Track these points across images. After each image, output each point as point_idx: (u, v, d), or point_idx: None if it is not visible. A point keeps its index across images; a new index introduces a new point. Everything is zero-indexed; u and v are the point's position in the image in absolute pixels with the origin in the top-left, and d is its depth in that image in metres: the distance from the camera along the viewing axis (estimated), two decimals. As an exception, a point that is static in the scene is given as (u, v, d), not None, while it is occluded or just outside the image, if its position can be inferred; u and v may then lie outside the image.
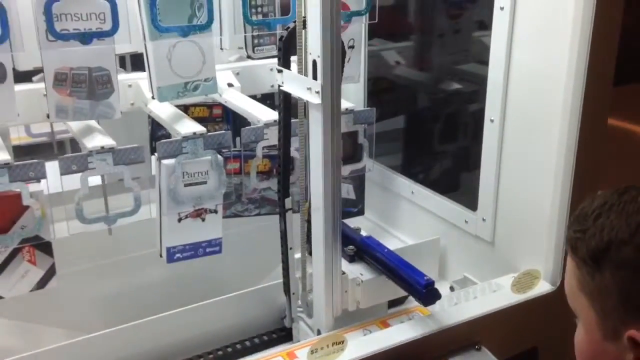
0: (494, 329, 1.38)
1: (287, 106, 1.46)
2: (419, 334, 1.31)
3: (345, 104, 1.81)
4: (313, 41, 1.23)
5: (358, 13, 1.73)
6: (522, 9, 1.44)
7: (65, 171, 1.47)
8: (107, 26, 1.42)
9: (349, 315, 1.43)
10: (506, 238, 1.62)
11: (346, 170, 1.85)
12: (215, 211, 1.69)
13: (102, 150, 1.49)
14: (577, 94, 1.34)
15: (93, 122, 1.60)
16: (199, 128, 1.60)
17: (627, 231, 0.77)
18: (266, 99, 2.31)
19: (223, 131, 1.64)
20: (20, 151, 2.07)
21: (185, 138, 1.58)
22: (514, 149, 1.55)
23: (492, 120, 1.58)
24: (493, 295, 1.47)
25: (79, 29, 1.40)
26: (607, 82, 1.37)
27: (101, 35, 1.42)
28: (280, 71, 1.40)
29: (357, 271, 1.44)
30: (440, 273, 1.88)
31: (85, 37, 1.40)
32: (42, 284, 1.53)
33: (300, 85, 1.32)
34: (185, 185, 1.63)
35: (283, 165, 1.50)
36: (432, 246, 1.84)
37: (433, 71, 2.08)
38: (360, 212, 1.96)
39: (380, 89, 2.20)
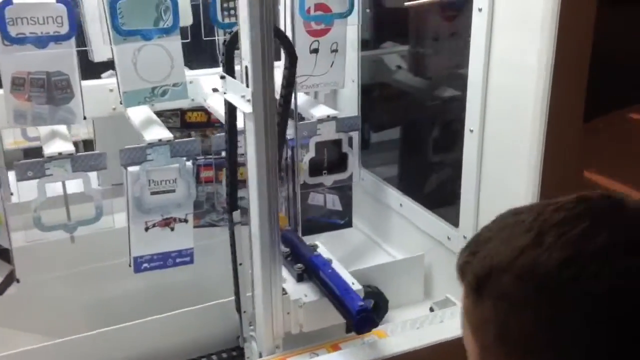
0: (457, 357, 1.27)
1: (232, 114, 1.38)
2: (368, 359, 1.22)
3: (327, 111, 1.73)
4: (244, 46, 1.14)
5: (340, 15, 1.64)
6: (500, 11, 1.32)
7: (20, 177, 1.43)
8: (64, 30, 1.37)
9: (304, 337, 1.35)
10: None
11: (329, 180, 1.77)
12: (186, 220, 1.63)
13: (60, 156, 1.45)
14: (544, 100, 1.22)
15: (61, 127, 1.57)
16: (165, 135, 1.54)
17: (508, 257, 0.65)
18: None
19: (192, 138, 1.58)
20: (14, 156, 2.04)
21: (150, 145, 1.52)
22: (494, 161, 1.44)
23: (471, 131, 1.47)
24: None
25: (36, 33, 1.36)
26: (577, 91, 1.25)
27: (58, 39, 1.38)
28: (222, 77, 1.32)
29: (302, 292, 1.35)
30: (426, 292, 1.77)
31: (41, 41, 1.36)
32: (0, 290, 1.50)
33: (237, 93, 1.23)
34: (152, 194, 1.57)
35: (230, 176, 1.42)
36: (417, 263, 1.73)
37: (430, 77, 1.96)
38: (347, 224, 1.87)
39: (377, 95, 2.10)
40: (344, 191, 1.83)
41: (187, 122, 1.99)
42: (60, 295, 1.78)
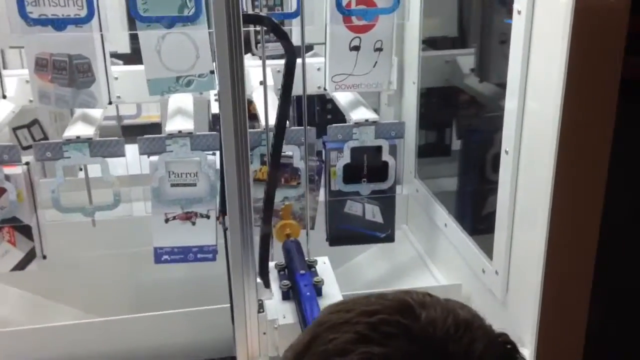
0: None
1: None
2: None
3: (367, 114, 1.59)
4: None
5: (384, 10, 1.49)
6: (541, 15, 1.11)
7: (39, 158, 1.46)
8: (84, 13, 1.36)
9: None
10: (519, 299, 1.29)
11: (366, 189, 1.63)
12: (207, 216, 1.57)
13: (78, 140, 1.45)
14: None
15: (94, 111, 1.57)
16: (186, 126, 1.50)
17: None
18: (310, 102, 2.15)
19: (213, 132, 1.51)
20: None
21: (170, 136, 1.49)
22: (529, 188, 1.22)
23: (506, 152, 1.26)
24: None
25: (57, 15, 1.37)
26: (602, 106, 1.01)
27: (77, 22, 1.37)
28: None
29: (282, 311, 1.23)
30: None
31: (59, 23, 1.36)
32: (21, 265, 1.54)
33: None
34: (172, 185, 1.53)
35: (222, 179, 1.33)
36: (453, 293, 1.54)
37: (500, 84, 1.74)
38: (389, 239, 1.71)
39: (444, 100, 1.91)
40: (386, 202, 1.68)
41: (251, 112, 1.94)
42: (101, 276, 1.80)
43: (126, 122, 2.27)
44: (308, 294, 1.20)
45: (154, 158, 1.50)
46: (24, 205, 1.48)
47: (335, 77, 1.56)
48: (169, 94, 1.51)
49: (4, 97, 1.51)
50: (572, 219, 1.11)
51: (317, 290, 1.26)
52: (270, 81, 1.76)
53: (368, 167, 1.61)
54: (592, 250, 1.10)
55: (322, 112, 2.31)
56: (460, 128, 1.85)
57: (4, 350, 1.47)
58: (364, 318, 0.53)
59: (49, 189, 1.49)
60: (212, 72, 1.48)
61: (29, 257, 1.54)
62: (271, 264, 1.36)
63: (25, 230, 1.52)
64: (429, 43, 1.89)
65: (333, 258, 1.84)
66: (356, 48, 1.54)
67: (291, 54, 1.24)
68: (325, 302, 1.24)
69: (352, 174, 1.61)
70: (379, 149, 1.60)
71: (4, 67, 1.71)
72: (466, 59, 1.85)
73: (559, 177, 1.11)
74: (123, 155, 1.49)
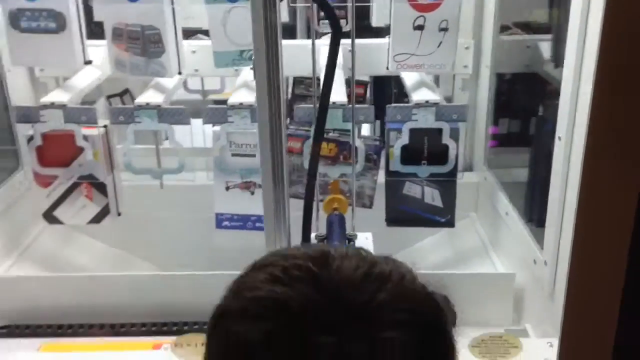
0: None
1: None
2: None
3: (428, 96, 1.56)
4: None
5: (449, -11, 1.45)
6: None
7: (114, 121, 1.57)
8: (156, -15, 1.45)
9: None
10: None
11: (424, 171, 1.61)
12: (253, 190, 1.63)
13: (147, 106, 1.55)
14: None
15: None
16: (248, 99, 1.55)
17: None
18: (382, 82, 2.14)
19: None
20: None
21: (232, 107, 1.55)
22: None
23: (559, 138, 1.20)
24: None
25: (132, -14, 1.46)
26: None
27: (148, -7, 1.46)
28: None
29: None
30: (517, 318, 1.52)
31: (133, -5, 1.46)
32: (97, 219, 1.67)
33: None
34: (233, 155, 1.60)
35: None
36: (505, 282, 1.49)
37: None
38: (449, 223, 1.68)
39: (521, 86, 1.83)
40: (446, 187, 1.65)
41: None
42: (168, 235, 1.91)
43: (211, 96, 2.38)
44: None
45: (217, 128, 1.58)
46: (100, 164, 1.61)
47: (398, 57, 1.55)
48: (232, 67, 1.57)
49: (89, 62, 1.63)
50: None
51: None
52: (340, 59, 1.79)
53: (428, 149, 1.59)
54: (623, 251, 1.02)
55: (399, 94, 2.30)
56: (534, 116, 1.77)
57: (82, 293, 1.59)
58: (282, 262, 0.56)
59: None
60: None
61: (104, 212, 1.67)
62: (313, 235, 1.38)
63: (101, 188, 1.65)
64: (513, 27, 1.82)
65: (397, 241, 1.86)
66: (420, 27, 1.52)
67: (337, 31, 1.25)
68: None
69: (410, 155, 1.59)
70: (440, 131, 1.57)
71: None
72: (548, 45, 1.76)
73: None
74: (188, 123, 1.58)
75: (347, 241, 1.34)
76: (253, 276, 0.55)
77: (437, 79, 1.94)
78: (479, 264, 1.71)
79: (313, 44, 1.37)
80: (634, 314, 1.04)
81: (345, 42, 1.81)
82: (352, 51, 1.40)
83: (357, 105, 1.54)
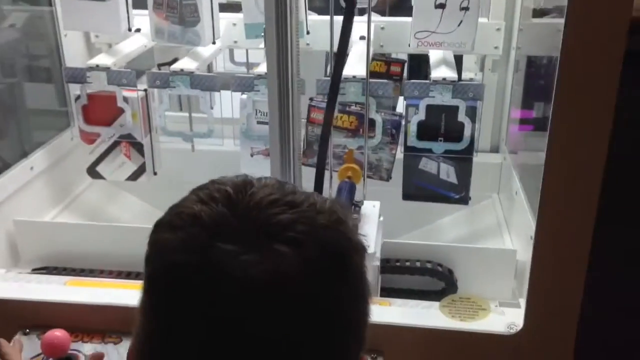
0: (400, 344, 1.11)
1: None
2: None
3: (446, 73, 1.61)
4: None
5: (470, -31, 1.49)
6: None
7: (150, 85, 1.70)
8: (190, -44, 1.56)
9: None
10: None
11: (440, 147, 1.65)
12: (287, 156, 1.72)
13: (182, 72, 1.66)
14: None
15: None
16: (271, 69, 1.64)
17: None
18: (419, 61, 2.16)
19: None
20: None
21: (259, 76, 1.64)
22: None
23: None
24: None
25: (172, -42, 1.57)
26: None
27: (186, -36, 1.57)
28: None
29: None
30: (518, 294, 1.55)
31: (171, -35, 1.57)
32: (134, 176, 1.81)
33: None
34: (258, 123, 1.70)
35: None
36: (505, 258, 1.53)
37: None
38: (463, 200, 1.72)
39: (547, 71, 1.83)
40: (461, 164, 1.69)
41: None
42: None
43: (255, 69, 2.47)
44: None
45: (244, 96, 1.68)
46: (138, 125, 1.74)
47: (418, 34, 1.60)
48: (260, 38, 1.66)
49: (138, 30, 1.77)
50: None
51: None
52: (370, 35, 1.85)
53: (445, 126, 1.63)
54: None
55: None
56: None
57: (113, 242, 1.73)
58: (210, 186, 0.65)
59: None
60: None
61: (141, 170, 1.81)
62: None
63: (139, 147, 1.78)
64: (545, 11, 1.83)
65: (418, 217, 1.91)
66: (442, 5, 1.56)
67: (350, 3, 1.31)
68: None
69: (427, 131, 1.64)
70: (451, 108, 1.61)
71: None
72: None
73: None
74: (217, 90, 1.68)
75: (353, 207, 1.41)
76: (186, 197, 0.65)
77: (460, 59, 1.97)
78: (490, 242, 1.74)
79: (332, 18, 1.43)
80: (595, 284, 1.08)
81: (376, 19, 1.90)
82: (368, 26, 1.45)
83: (375, 80, 1.61)
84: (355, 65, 1.66)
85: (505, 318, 1.10)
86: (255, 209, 0.62)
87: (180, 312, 0.59)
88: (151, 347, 0.61)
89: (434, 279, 1.51)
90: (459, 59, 2.31)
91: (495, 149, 1.99)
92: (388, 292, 1.55)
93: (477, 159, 1.91)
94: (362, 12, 2.03)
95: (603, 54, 0.95)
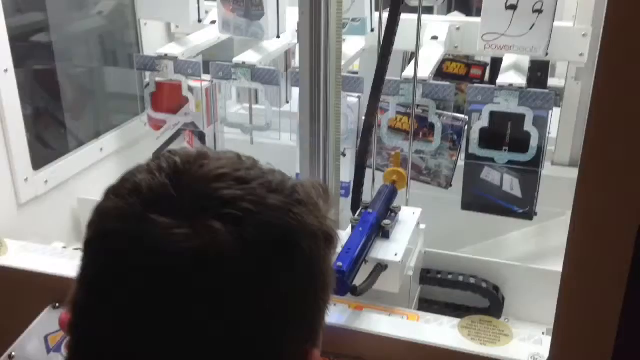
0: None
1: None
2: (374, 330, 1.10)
3: (513, 79, 1.50)
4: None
5: (545, -32, 1.38)
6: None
7: (214, 76, 1.71)
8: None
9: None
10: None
11: (502, 157, 1.55)
12: (344, 154, 1.68)
13: (243, 65, 1.67)
14: None
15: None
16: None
17: None
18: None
19: (356, 76, 1.59)
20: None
21: (317, 72, 1.61)
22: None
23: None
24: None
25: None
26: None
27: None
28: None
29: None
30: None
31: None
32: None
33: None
34: (316, 119, 1.67)
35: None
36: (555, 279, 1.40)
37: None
38: (527, 215, 1.61)
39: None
40: (526, 176, 1.57)
41: (444, 71, 1.97)
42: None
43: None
44: (360, 229, 1.24)
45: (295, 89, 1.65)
46: (201, 114, 1.77)
47: (486, 36, 1.50)
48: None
49: (208, 21, 1.80)
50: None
51: (385, 233, 1.28)
52: (442, 37, 1.77)
53: (511, 135, 1.53)
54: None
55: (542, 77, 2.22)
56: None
57: None
58: (165, 155, 0.62)
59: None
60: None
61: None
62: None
63: (202, 137, 1.81)
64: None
65: (483, 230, 1.81)
66: (513, 7, 1.46)
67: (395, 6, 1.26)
68: (390, 245, 1.27)
69: (490, 139, 1.55)
70: (518, 117, 1.51)
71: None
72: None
73: None
74: (278, 84, 1.67)
75: (389, 212, 1.35)
76: (138, 165, 0.63)
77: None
78: (553, 263, 1.61)
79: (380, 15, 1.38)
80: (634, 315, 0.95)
81: (454, 20, 1.82)
82: (418, 25, 1.39)
83: (435, 82, 1.53)
84: (421, 67, 1.59)
85: (529, 347, 1.00)
86: (200, 181, 0.59)
87: (109, 281, 0.58)
88: (82, 317, 0.60)
89: (478, 296, 1.42)
90: (545, 66, 2.19)
91: (574, 163, 1.84)
92: (430, 304, 1.48)
93: (552, 172, 1.80)
94: (430, 10, 1.96)
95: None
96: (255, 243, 0.56)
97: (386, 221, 1.29)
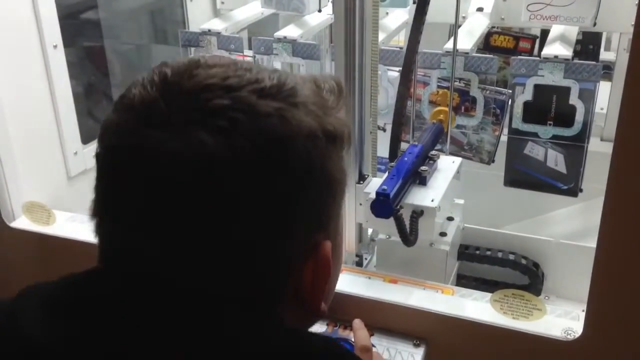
0: (444, 334, 1.03)
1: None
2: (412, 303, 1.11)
3: (558, 50, 1.45)
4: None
5: None
6: None
7: (256, 51, 1.73)
8: None
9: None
10: None
11: (547, 132, 1.51)
12: (384, 129, 1.67)
13: (285, 40, 1.67)
14: None
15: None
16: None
17: None
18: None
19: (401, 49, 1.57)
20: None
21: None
22: None
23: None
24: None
25: None
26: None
27: None
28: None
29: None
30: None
31: None
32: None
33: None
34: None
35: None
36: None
37: None
38: (572, 192, 1.57)
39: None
40: (572, 152, 1.53)
41: (491, 45, 1.93)
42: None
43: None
44: (406, 159, 1.23)
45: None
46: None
47: (531, 6, 1.46)
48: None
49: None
50: None
51: (422, 179, 1.27)
52: (488, 8, 1.74)
53: (556, 109, 1.49)
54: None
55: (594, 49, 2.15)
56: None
57: None
58: (157, 68, 0.62)
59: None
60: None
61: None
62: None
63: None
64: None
65: (530, 206, 1.77)
66: (559, -24, 1.41)
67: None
68: (427, 192, 1.26)
69: (534, 113, 1.51)
70: (562, 89, 1.46)
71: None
72: None
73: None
74: (318, 59, 1.67)
75: (427, 159, 1.33)
76: (135, 79, 0.62)
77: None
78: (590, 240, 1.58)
79: None
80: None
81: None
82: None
83: (477, 55, 1.50)
84: (463, 39, 1.57)
85: (563, 322, 0.98)
86: (189, 93, 0.58)
87: (113, 193, 0.61)
88: (97, 227, 0.62)
89: (518, 273, 1.40)
90: (597, 38, 2.11)
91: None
92: (468, 280, 1.47)
93: (602, 148, 1.74)
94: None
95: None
96: (244, 151, 0.56)
97: (423, 167, 1.28)
